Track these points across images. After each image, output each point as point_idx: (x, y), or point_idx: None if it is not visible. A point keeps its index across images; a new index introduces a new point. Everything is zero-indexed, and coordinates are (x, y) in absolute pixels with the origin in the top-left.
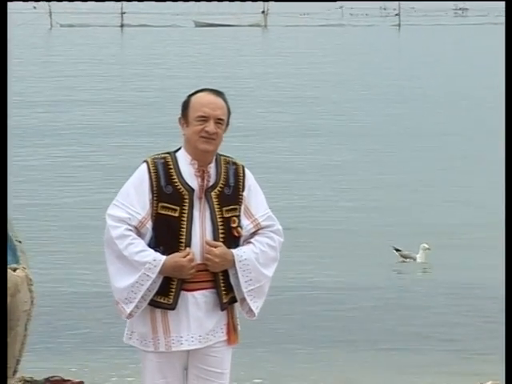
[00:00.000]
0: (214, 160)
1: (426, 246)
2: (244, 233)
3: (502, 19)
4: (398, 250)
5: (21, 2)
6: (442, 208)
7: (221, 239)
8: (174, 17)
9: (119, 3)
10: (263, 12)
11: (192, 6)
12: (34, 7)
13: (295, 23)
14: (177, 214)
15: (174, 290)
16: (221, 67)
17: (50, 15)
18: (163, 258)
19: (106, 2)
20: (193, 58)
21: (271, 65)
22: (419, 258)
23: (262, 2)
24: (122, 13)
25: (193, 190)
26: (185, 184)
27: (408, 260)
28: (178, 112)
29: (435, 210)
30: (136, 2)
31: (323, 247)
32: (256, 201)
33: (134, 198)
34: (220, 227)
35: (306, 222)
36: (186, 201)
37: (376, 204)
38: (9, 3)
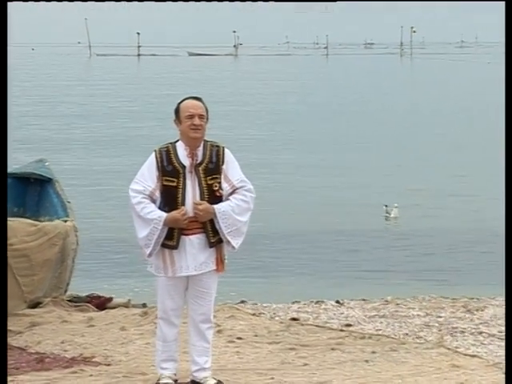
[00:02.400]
0: (201, 145)
1: (397, 205)
2: (224, 193)
3: (401, 49)
4: (386, 206)
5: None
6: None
7: (206, 199)
8: (174, 49)
9: (136, 38)
10: (234, 46)
11: (187, 39)
12: (79, 42)
13: (257, 53)
14: (175, 184)
15: (176, 235)
16: (204, 84)
17: (90, 48)
18: (165, 214)
19: (125, 37)
20: (186, 77)
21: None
22: (392, 215)
23: (233, 37)
24: (139, 46)
25: (185, 166)
26: (180, 163)
27: (387, 216)
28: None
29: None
30: (147, 35)
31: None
32: (232, 170)
33: (147, 176)
34: (205, 191)
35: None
36: (181, 174)
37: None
38: (58, 41)
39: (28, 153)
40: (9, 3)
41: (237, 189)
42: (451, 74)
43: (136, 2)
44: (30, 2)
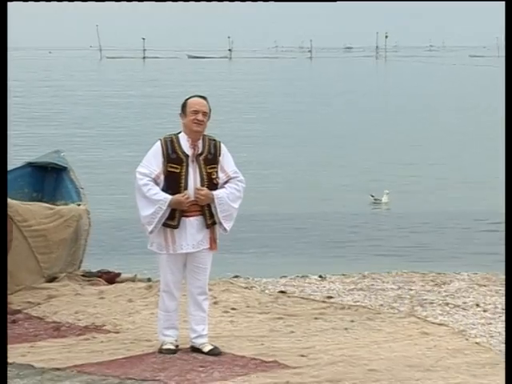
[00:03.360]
0: (201, 138)
1: (388, 191)
2: (220, 181)
3: (376, 53)
4: (373, 196)
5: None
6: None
7: (205, 185)
8: (175, 52)
9: (142, 43)
10: (229, 50)
11: (186, 43)
12: (91, 46)
13: (249, 56)
14: (178, 171)
15: (177, 216)
16: (202, 83)
17: (100, 51)
18: (170, 197)
19: (132, 42)
20: (186, 77)
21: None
22: (383, 200)
23: (228, 42)
24: (144, 50)
25: (187, 156)
26: (183, 152)
27: (378, 201)
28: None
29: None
30: (151, 40)
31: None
32: (227, 162)
33: (152, 162)
34: (205, 178)
35: None
36: (184, 163)
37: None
38: (69, 48)
39: (47, 147)
40: (9, 3)
41: (231, 178)
42: (421, 74)
43: (141, 11)
44: (42, 6)
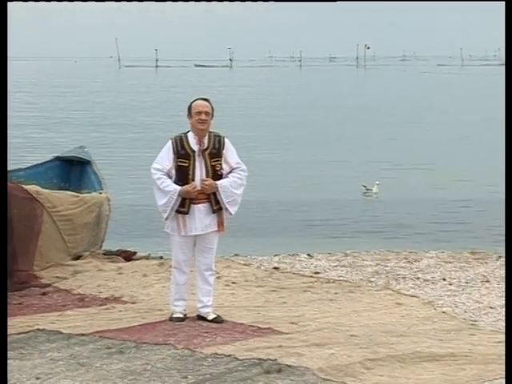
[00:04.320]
0: (207, 135)
1: (378, 182)
2: (224, 172)
3: (357, 62)
4: (364, 186)
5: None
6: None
7: (210, 176)
8: (183, 61)
9: (155, 54)
10: (230, 59)
11: (192, 53)
12: (111, 56)
13: (247, 65)
14: (187, 165)
15: (187, 203)
16: (206, 89)
17: (119, 61)
18: (179, 188)
19: (146, 53)
20: (192, 83)
21: (234, 88)
22: (374, 190)
23: (229, 53)
24: (157, 59)
25: (194, 151)
26: (190, 148)
27: (369, 191)
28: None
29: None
30: (164, 51)
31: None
32: (231, 155)
33: (165, 158)
34: (210, 170)
35: None
36: (191, 157)
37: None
38: (90, 54)
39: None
40: (10, 3)
41: (234, 169)
42: (396, 81)
43: (154, 24)
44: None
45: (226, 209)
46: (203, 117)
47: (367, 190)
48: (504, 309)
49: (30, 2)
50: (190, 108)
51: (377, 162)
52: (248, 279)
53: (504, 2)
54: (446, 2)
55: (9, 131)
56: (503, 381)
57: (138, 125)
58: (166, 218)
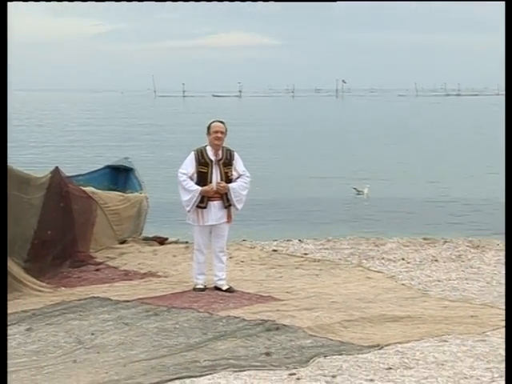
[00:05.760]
0: (221, 149)
1: (369, 185)
2: (233, 177)
3: (336, 93)
4: (355, 189)
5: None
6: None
7: (223, 180)
8: (204, 92)
9: (182, 87)
10: (239, 91)
11: (210, 86)
12: (148, 89)
13: (252, 95)
14: (206, 171)
15: (205, 200)
16: (221, 114)
17: (155, 92)
18: (200, 188)
19: (174, 85)
20: (211, 109)
21: (242, 113)
22: (366, 192)
23: (238, 86)
24: (184, 91)
25: (212, 160)
26: (209, 158)
27: (360, 192)
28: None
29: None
30: (189, 84)
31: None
32: (238, 165)
33: (189, 165)
34: (223, 175)
35: None
36: (209, 165)
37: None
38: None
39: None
40: (9, 3)
41: (241, 175)
42: (366, 108)
43: (182, 64)
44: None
45: (234, 205)
46: (219, 135)
47: (358, 192)
48: (450, 281)
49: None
50: (209, 128)
51: (360, 171)
52: (253, 259)
53: (504, 2)
54: (406, 46)
55: (74, 148)
56: (449, 337)
57: (169, 140)
58: (189, 211)
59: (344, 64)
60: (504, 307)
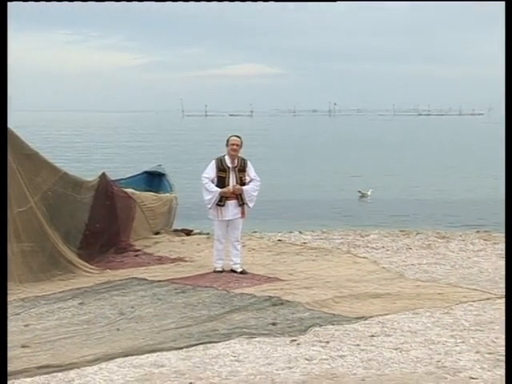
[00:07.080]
0: (237, 158)
1: (371, 189)
2: (246, 181)
3: (329, 113)
4: (360, 191)
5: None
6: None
7: (238, 183)
8: (221, 112)
9: (204, 108)
10: (251, 111)
11: (227, 107)
12: (177, 109)
13: (261, 115)
14: (224, 176)
15: (223, 200)
16: (234, 131)
17: (183, 112)
18: (219, 189)
19: (198, 106)
20: (228, 126)
21: (254, 130)
22: (369, 194)
23: (249, 107)
24: (206, 111)
25: (229, 167)
26: (227, 165)
27: (364, 195)
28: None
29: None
30: (210, 105)
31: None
32: (251, 171)
33: (210, 170)
34: (238, 180)
35: None
36: (227, 171)
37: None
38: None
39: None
40: (10, 3)
41: (252, 180)
42: (354, 126)
43: (204, 89)
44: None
45: (247, 204)
46: (235, 147)
47: (363, 194)
48: (422, 265)
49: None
50: (227, 141)
51: (358, 176)
52: (262, 247)
53: (504, 2)
54: (387, 74)
55: (119, 161)
56: (420, 310)
57: (194, 153)
58: (210, 208)
59: (335, 89)
60: (466, 287)
